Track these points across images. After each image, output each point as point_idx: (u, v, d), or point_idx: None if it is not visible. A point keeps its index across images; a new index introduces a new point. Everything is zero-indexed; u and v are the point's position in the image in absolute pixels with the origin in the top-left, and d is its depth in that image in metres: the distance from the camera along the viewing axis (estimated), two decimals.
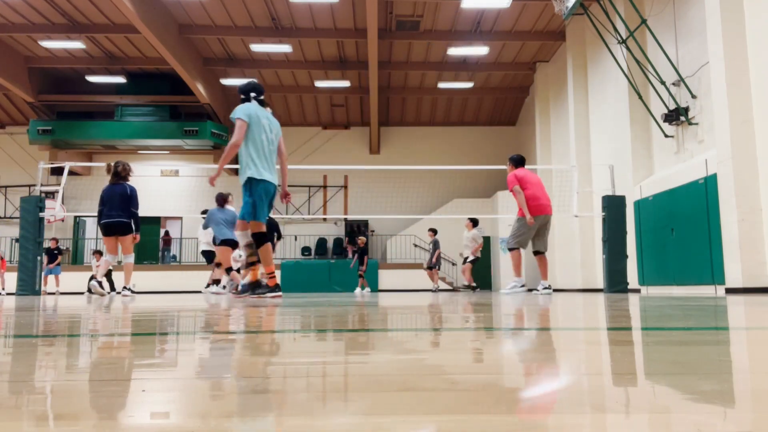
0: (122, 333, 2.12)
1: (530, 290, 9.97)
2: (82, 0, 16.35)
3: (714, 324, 2.35)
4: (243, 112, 5.64)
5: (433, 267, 15.91)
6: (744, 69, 9.20)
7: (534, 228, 8.40)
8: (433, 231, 15.97)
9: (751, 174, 9.01)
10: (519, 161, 8.82)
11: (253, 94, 5.84)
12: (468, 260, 14.40)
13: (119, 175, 8.21)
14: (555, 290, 16.65)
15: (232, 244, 9.97)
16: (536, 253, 8.62)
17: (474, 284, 14.33)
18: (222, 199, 10.71)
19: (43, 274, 16.44)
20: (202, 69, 19.78)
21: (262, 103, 5.86)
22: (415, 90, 22.24)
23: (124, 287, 8.88)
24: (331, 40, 18.41)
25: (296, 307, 4.06)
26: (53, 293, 16.41)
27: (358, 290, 16.33)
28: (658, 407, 0.76)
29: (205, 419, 0.69)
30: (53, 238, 17.93)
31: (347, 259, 20.90)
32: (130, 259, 8.54)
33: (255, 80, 6.11)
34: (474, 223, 14.62)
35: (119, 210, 8.05)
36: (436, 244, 15.82)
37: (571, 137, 16.40)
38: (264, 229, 5.72)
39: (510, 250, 8.64)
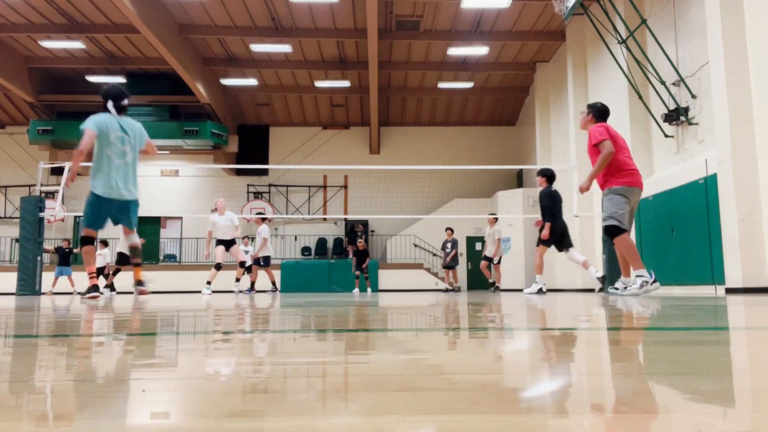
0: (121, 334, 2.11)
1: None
2: (82, 0, 16.35)
3: (714, 324, 2.35)
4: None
5: (452, 267, 15.82)
6: (744, 69, 9.19)
7: (629, 204, 6.07)
8: (451, 230, 15.94)
9: (751, 174, 9.00)
10: (603, 112, 6.41)
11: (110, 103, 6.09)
12: (496, 261, 14.09)
13: None
14: (554, 290, 16.65)
15: None
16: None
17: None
18: None
19: (53, 275, 16.42)
20: (202, 69, 19.78)
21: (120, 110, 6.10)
22: (415, 90, 22.24)
23: None
24: (331, 40, 18.41)
25: (296, 307, 4.05)
26: (71, 293, 16.39)
27: (356, 290, 16.21)
28: (658, 407, 0.76)
29: (205, 419, 0.69)
30: (65, 239, 17.98)
31: (348, 259, 20.89)
32: None
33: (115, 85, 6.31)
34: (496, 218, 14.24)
35: None
36: (455, 244, 15.79)
37: (571, 137, 16.40)
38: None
39: (613, 235, 6.07)
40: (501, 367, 1.17)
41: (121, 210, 6.02)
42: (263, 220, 13.93)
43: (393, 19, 17.26)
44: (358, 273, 15.99)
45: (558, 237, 8.82)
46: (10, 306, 4.95)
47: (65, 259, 16.72)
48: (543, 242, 8.83)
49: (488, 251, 14.14)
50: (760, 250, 8.87)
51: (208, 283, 11.49)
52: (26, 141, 22.10)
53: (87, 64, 20.25)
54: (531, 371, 1.10)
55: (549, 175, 9.13)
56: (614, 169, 6.07)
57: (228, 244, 11.69)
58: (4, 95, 21.91)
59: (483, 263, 14.17)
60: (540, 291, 8.92)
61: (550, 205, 8.87)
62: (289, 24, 17.61)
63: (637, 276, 6.06)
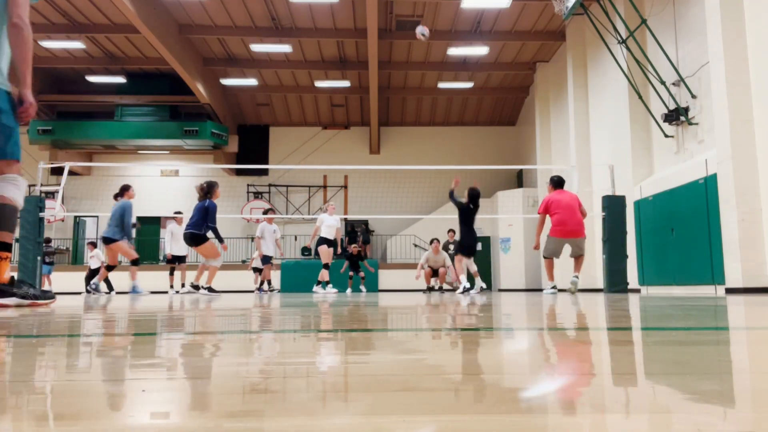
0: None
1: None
2: (82, 0, 16.36)
3: (714, 324, 2.35)
4: None
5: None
6: (744, 69, 9.19)
7: (559, 245, 9.31)
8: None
9: (751, 174, 9.00)
10: (556, 183, 9.41)
11: None
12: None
13: (199, 194, 9.59)
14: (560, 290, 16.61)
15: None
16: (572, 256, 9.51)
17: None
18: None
19: (42, 274, 16.43)
20: (202, 69, 19.78)
21: None
22: (415, 90, 22.24)
23: (199, 286, 10.00)
24: (331, 40, 18.41)
25: (296, 307, 4.05)
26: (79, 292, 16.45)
27: (348, 291, 15.55)
28: (658, 407, 0.76)
29: (205, 419, 0.69)
30: (45, 238, 17.88)
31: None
32: (212, 262, 9.77)
33: None
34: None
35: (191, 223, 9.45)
36: None
37: (571, 137, 16.40)
38: None
39: (544, 258, 9.62)
40: (501, 367, 1.16)
41: None
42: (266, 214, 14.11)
43: (393, 19, 17.26)
44: (352, 273, 15.64)
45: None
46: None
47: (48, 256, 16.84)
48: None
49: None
50: (760, 251, 8.87)
51: (328, 283, 11.94)
52: (26, 141, 22.09)
53: (87, 64, 20.26)
54: (531, 371, 1.10)
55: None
56: (551, 224, 9.26)
57: (332, 243, 12.27)
58: None
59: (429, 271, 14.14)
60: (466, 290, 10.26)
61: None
62: (289, 24, 17.62)
63: (552, 287, 9.45)
